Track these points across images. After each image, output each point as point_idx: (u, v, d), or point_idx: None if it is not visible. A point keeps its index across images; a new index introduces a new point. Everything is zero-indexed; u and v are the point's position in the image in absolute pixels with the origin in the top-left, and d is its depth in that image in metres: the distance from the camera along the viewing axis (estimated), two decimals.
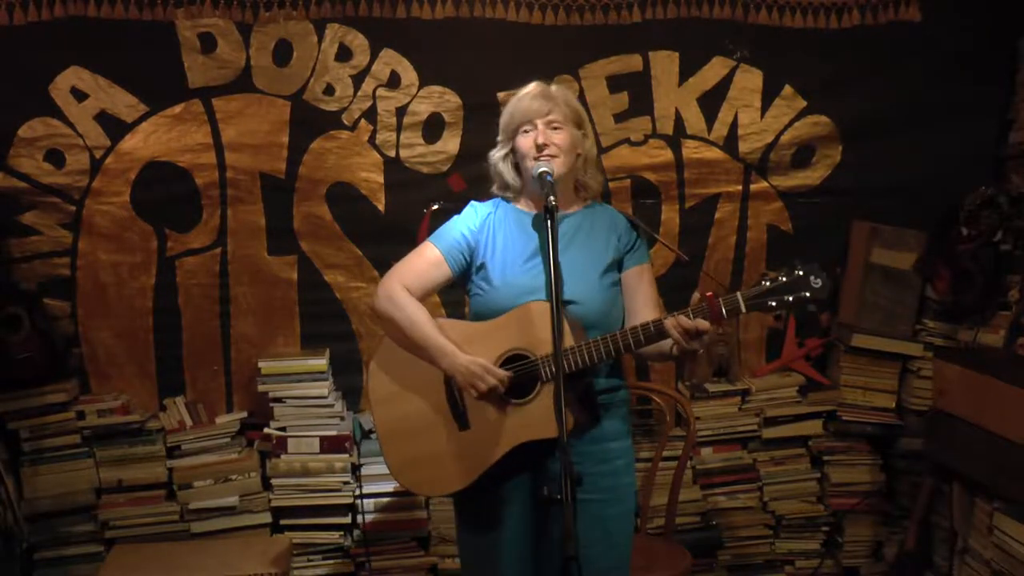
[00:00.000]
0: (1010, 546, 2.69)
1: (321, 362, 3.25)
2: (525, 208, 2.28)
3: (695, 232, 3.48)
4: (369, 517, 3.25)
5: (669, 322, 2.01)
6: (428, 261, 2.25)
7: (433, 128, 3.34)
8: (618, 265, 2.25)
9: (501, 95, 3.16)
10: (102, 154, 3.23)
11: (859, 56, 3.41)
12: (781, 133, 3.45)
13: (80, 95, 3.19)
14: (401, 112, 3.32)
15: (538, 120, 2.19)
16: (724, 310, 2.00)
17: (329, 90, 3.29)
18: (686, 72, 3.39)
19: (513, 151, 2.25)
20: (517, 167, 2.27)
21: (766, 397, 3.44)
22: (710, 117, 3.43)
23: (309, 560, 3.27)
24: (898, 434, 3.42)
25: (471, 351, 2.14)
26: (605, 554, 2.17)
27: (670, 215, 3.47)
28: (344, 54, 3.28)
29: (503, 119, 2.27)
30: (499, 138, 2.29)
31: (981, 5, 3.40)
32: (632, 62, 3.37)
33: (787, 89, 3.42)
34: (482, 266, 2.22)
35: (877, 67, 3.42)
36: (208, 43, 3.22)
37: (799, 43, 3.40)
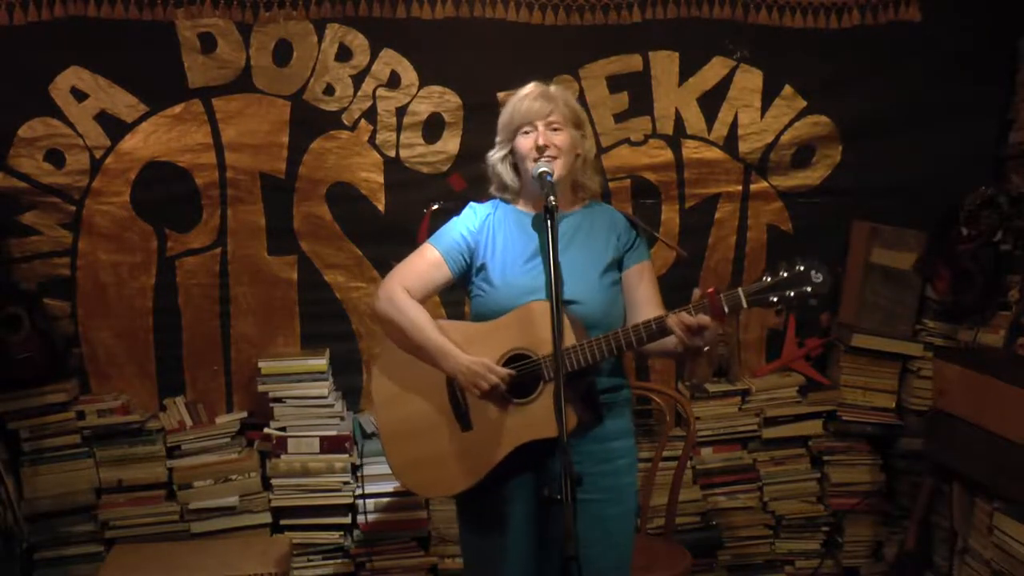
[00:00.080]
0: (1010, 546, 2.69)
1: (321, 362, 3.25)
2: (524, 209, 2.28)
3: (695, 232, 3.48)
4: (369, 517, 3.25)
5: (671, 319, 2.01)
6: (428, 263, 2.25)
7: (433, 128, 3.34)
8: (618, 264, 2.24)
9: (501, 95, 3.15)
10: (102, 154, 3.23)
11: (859, 56, 3.41)
12: (781, 133, 3.44)
13: (80, 95, 3.19)
14: (401, 112, 3.31)
15: (538, 121, 2.18)
16: (725, 305, 1.99)
17: (329, 90, 3.28)
18: (686, 72, 3.39)
19: (512, 152, 2.24)
20: (516, 168, 2.26)
21: (766, 397, 3.44)
22: (710, 117, 3.42)
23: (309, 560, 3.27)
24: (898, 434, 3.42)
25: (472, 352, 2.13)
26: (605, 554, 2.17)
27: (670, 215, 3.47)
28: (344, 54, 3.28)
29: (502, 120, 2.26)
30: (497, 139, 2.28)
31: (981, 5, 3.40)
32: (632, 62, 3.37)
33: (787, 89, 3.42)
34: (482, 267, 2.22)
35: (877, 67, 3.42)
36: (208, 43, 3.21)
37: (799, 43, 3.40)
